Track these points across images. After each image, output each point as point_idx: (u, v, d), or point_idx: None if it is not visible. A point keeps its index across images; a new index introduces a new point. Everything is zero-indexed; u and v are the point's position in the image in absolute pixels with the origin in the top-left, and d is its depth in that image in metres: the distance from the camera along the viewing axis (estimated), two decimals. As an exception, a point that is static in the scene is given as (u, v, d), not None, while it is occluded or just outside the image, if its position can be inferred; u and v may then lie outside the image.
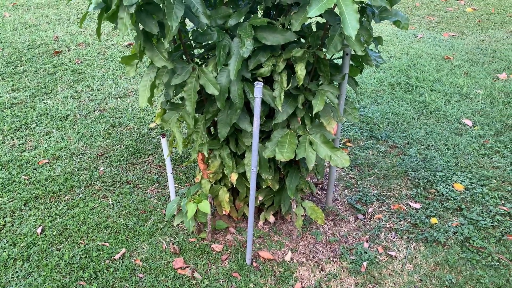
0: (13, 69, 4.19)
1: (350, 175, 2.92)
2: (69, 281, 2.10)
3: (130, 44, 4.83)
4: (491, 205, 2.63)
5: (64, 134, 3.26)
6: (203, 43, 1.97)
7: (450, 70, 4.39)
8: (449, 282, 2.14)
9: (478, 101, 3.81)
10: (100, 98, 3.76)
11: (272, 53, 1.88)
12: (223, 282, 2.13)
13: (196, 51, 2.14)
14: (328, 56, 1.93)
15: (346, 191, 2.77)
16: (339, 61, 2.21)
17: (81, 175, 2.84)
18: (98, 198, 2.65)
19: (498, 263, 2.24)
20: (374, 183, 2.84)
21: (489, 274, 2.19)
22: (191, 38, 1.90)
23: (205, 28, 1.82)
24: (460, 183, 2.81)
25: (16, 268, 2.17)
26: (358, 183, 2.84)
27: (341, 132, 3.32)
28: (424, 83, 4.11)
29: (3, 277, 2.11)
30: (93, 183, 2.77)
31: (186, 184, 2.80)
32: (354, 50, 1.69)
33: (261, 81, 1.78)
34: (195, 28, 1.88)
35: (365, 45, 1.80)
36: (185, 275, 2.15)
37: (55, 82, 3.98)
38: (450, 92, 3.96)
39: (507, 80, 4.17)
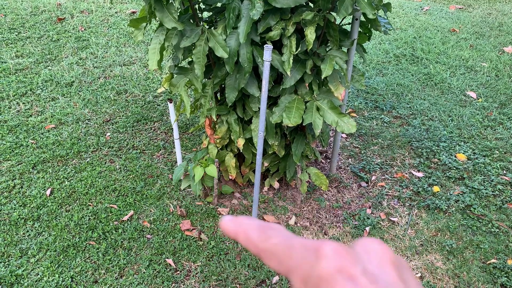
0: (16, 35, 4.16)
1: (354, 145, 2.94)
2: (79, 241, 2.15)
3: (133, 12, 4.78)
4: (493, 175, 2.66)
5: (70, 100, 3.27)
6: (212, 6, 1.97)
7: (456, 42, 4.37)
8: (450, 247, 2.20)
9: (483, 74, 3.80)
10: (105, 65, 3.75)
11: (282, 16, 1.87)
12: (229, 243, 2.18)
13: (204, 15, 2.12)
14: (337, 21, 1.92)
15: (349, 159, 2.81)
16: (348, 28, 2.20)
17: (88, 140, 2.86)
18: (105, 163, 2.68)
19: (497, 230, 2.29)
20: (378, 153, 2.87)
21: (488, 240, 2.24)
22: (200, 0, 1.89)
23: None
24: (463, 153, 2.84)
25: (27, 227, 2.22)
26: (362, 152, 2.87)
27: (346, 103, 3.33)
28: (429, 55, 4.09)
29: (14, 236, 2.17)
30: (100, 148, 2.80)
31: (193, 149, 2.83)
32: (364, 14, 1.69)
33: (270, 45, 1.78)
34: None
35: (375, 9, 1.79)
36: (192, 236, 2.20)
37: (59, 49, 3.96)
38: (455, 64, 3.95)
39: (513, 54, 4.15)
